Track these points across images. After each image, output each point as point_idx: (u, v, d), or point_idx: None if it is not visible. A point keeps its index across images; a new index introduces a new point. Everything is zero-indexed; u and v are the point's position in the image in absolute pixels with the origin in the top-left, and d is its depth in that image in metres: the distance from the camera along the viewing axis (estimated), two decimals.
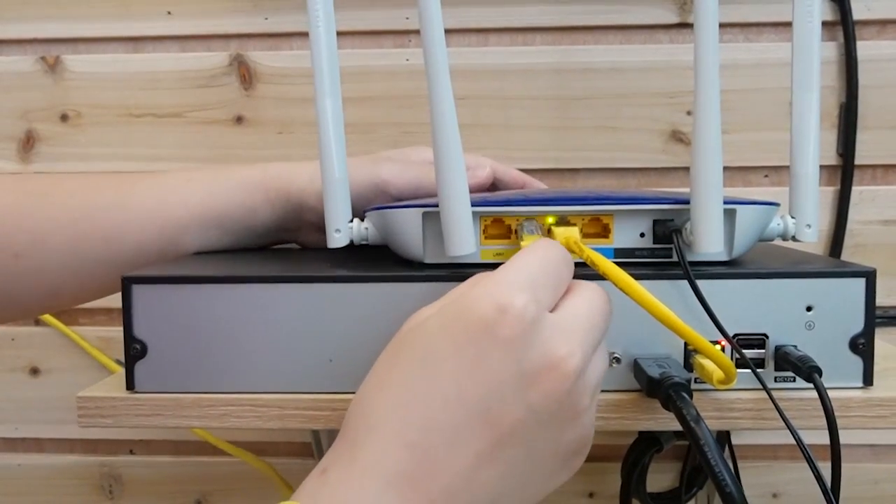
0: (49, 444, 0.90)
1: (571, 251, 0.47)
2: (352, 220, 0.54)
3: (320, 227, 0.58)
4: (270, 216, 0.61)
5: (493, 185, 0.64)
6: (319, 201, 0.58)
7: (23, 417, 0.89)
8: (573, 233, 0.48)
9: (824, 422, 0.43)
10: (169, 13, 0.83)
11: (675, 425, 0.42)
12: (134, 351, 0.51)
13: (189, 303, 0.50)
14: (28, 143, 0.85)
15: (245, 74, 0.83)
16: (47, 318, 0.86)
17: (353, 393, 0.45)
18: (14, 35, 0.84)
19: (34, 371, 0.88)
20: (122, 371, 0.52)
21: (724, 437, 0.80)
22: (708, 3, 0.44)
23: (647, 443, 0.74)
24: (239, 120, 0.83)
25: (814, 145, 0.50)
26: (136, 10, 0.83)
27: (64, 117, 0.85)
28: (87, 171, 0.85)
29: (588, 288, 0.41)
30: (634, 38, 0.81)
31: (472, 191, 0.48)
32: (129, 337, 0.51)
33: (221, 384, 0.51)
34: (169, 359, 0.51)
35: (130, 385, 0.51)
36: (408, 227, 0.52)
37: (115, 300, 0.81)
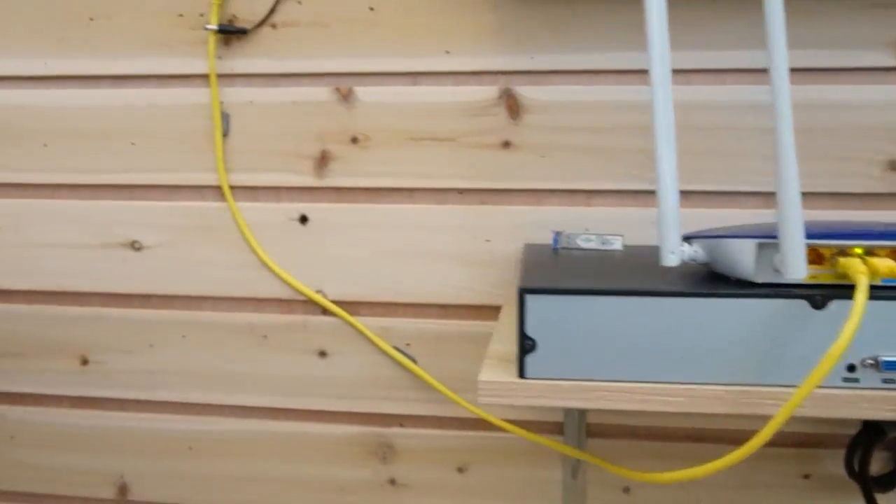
0: (331, 416, 1.06)
1: (893, 277, 0.60)
2: (682, 244, 0.67)
3: None
4: None
5: None
6: None
7: (311, 392, 1.05)
8: (892, 264, 0.61)
9: None
10: (447, 52, 0.97)
11: None
12: (527, 346, 0.65)
13: (571, 309, 0.64)
14: (322, 161, 1.00)
15: (512, 106, 0.97)
16: (334, 308, 1.02)
17: (700, 384, 0.58)
18: (314, 69, 0.99)
19: (322, 354, 1.04)
20: (511, 361, 0.66)
21: None
22: None
23: (872, 431, 0.87)
24: (506, 145, 0.97)
25: None
26: (417, 50, 0.97)
27: (354, 140, 1.00)
28: (372, 186, 1.00)
29: None
30: (856, 78, 0.93)
31: None
32: (523, 334, 0.65)
33: (596, 373, 0.65)
34: (553, 352, 0.65)
35: (522, 373, 0.65)
36: (742, 254, 0.65)
37: (401, 295, 0.97)
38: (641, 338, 0.64)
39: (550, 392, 0.65)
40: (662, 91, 0.65)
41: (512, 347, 0.77)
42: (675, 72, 0.93)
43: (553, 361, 0.65)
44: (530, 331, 0.65)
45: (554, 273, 0.73)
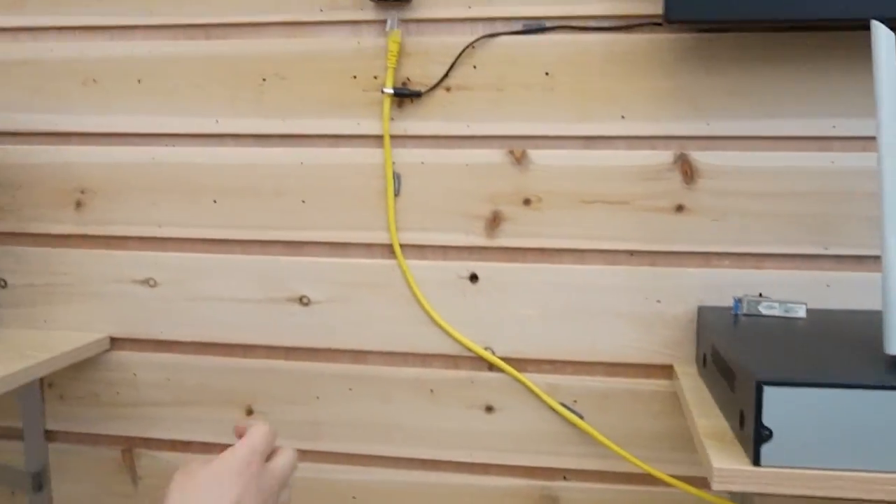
0: (496, 469, 1.08)
1: None
2: None
3: None
4: None
5: None
6: None
7: (477, 445, 1.07)
8: None
9: None
10: (623, 117, 0.99)
11: None
12: (763, 436, 0.67)
13: (809, 399, 0.66)
14: (494, 222, 1.03)
15: (687, 170, 0.98)
16: (502, 364, 1.04)
17: None
18: (487, 132, 1.02)
19: (489, 409, 1.06)
20: (730, 440, 0.69)
21: None
22: None
23: None
24: (679, 208, 0.99)
25: None
26: (592, 114, 0.99)
27: (526, 201, 1.02)
28: (543, 247, 1.02)
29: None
30: None
31: None
32: (759, 424, 0.67)
33: (829, 461, 0.66)
34: (788, 440, 0.66)
35: (756, 461, 0.67)
36: None
37: (569, 353, 0.98)
38: (876, 428, 0.66)
39: (787, 481, 0.67)
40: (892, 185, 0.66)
41: (720, 422, 0.78)
42: (855, 139, 0.94)
43: (787, 449, 0.67)
44: (768, 421, 0.67)
45: (776, 357, 0.74)
